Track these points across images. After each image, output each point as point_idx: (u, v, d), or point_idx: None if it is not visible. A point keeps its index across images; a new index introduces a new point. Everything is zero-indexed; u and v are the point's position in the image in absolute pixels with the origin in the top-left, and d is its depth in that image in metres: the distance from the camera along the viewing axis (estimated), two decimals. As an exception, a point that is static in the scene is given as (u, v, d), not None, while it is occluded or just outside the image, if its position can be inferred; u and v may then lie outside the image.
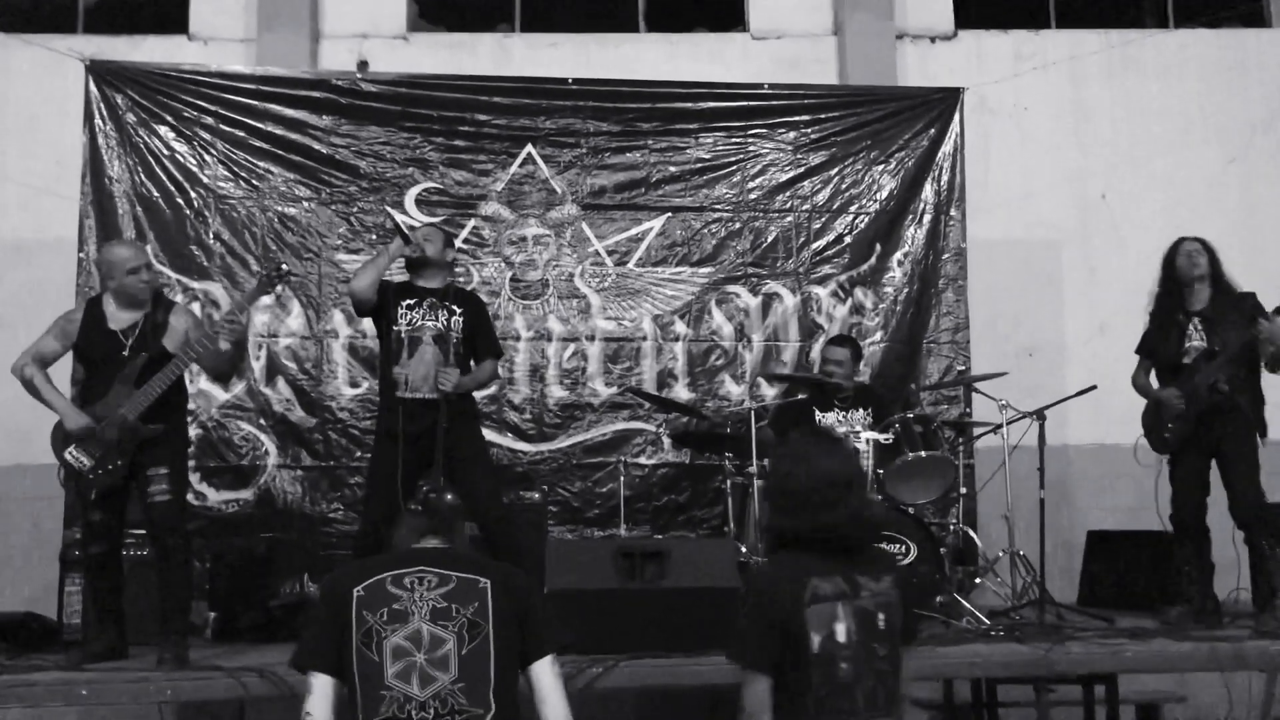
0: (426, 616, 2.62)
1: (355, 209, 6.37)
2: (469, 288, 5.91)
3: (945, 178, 6.72)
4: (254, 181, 6.31)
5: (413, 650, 2.59)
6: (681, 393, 6.43)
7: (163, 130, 6.26)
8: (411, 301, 4.81)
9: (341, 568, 2.98)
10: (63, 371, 4.88)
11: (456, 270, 6.16)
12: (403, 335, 4.77)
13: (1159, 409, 5.09)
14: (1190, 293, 5.09)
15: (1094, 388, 5.61)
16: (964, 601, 5.08)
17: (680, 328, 6.51)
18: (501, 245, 6.47)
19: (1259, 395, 5.00)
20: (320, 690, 2.63)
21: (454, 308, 4.82)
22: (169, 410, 4.42)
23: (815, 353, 6.39)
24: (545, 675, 2.71)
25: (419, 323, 4.77)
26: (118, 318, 4.46)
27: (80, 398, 4.52)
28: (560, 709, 2.71)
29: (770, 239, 6.60)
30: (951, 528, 5.75)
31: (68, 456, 4.33)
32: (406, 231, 5.00)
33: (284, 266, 4.74)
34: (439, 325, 4.75)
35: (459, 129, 6.48)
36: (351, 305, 5.04)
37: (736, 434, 5.60)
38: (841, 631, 2.61)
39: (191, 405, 5.38)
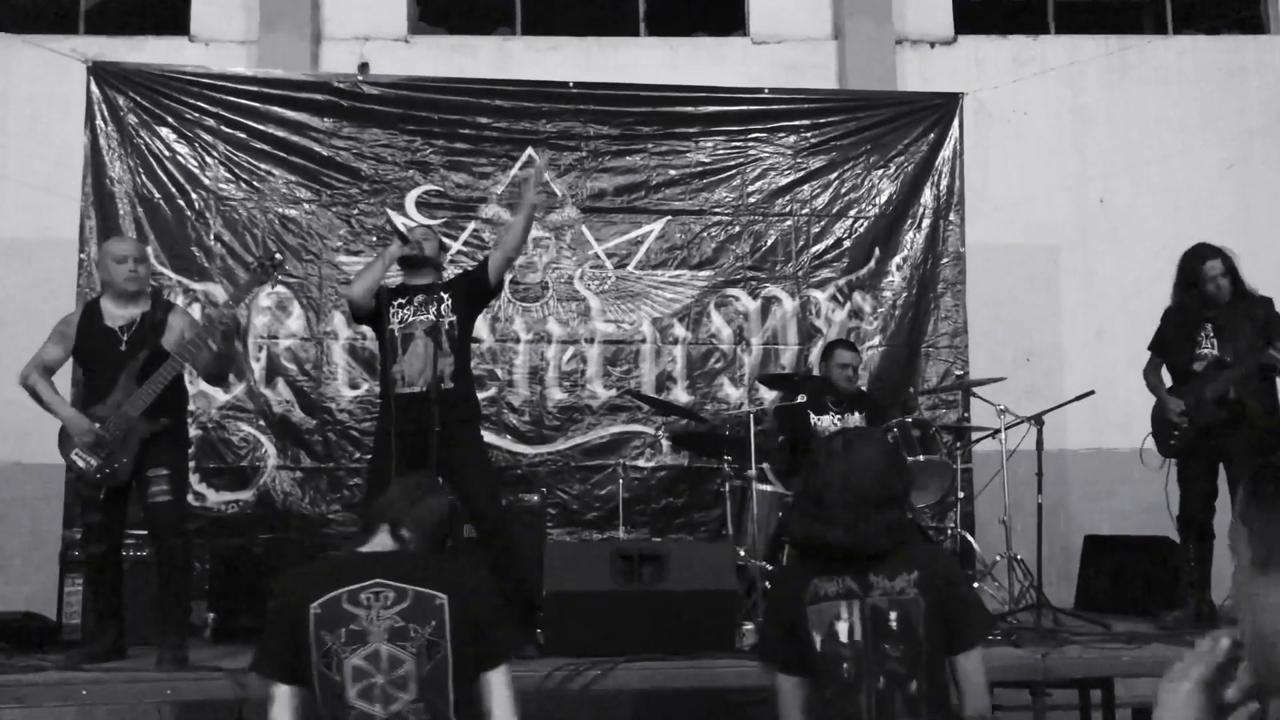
0: (385, 637, 2.61)
1: (356, 211, 6.38)
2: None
3: (944, 182, 6.72)
4: (255, 183, 6.32)
5: (372, 671, 2.60)
6: (680, 395, 6.43)
7: (164, 131, 6.26)
8: (402, 300, 4.83)
9: (294, 574, 2.85)
10: (65, 374, 4.89)
11: (456, 272, 6.19)
12: (396, 333, 4.79)
13: (1165, 415, 5.09)
14: (1207, 299, 5.02)
15: (1092, 393, 5.62)
16: (961, 605, 5.09)
17: (679, 331, 6.51)
18: (501, 248, 6.47)
19: (1274, 403, 4.96)
20: (282, 700, 2.65)
21: (442, 295, 4.82)
22: (169, 411, 4.43)
23: (814, 356, 6.41)
24: (496, 685, 2.71)
25: (410, 319, 4.79)
26: (114, 315, 4.48)
27: (82, 399, 4.53)
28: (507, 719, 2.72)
29: (769, 243, 6.61)
30: (949, 532, 5.77)
31: (74, 458, 4.34)
32: (404, 231, 5.00)
33: (276, 255, 4.75)
34: (429, 318, 4.74)
35: (460, 131, 6.48)
36: (349, 310, 5.05)
37: (735, 436, 5.62)
38: (844, 631, 2.51)
39: (192, 406, 5.39)
